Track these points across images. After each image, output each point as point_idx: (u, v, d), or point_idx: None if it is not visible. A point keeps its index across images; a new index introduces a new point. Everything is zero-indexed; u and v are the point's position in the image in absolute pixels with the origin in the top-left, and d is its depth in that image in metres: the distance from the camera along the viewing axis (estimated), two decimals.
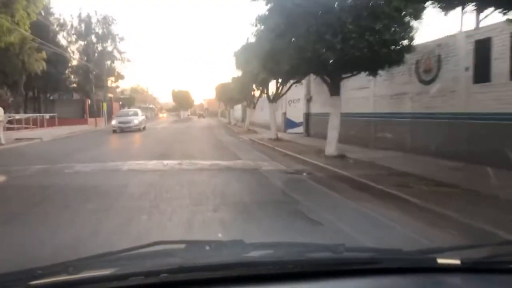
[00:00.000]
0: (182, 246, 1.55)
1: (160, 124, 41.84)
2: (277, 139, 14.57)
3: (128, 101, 51.46)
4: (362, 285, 1.29)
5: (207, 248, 1.49)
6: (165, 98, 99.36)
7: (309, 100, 18.43)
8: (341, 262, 1.37)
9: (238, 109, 40.41)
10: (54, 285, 1.18)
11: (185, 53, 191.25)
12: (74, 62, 35.03)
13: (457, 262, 1.32)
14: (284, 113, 23.38)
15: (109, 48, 37.82)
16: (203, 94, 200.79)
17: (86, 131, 24.54)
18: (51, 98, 34.97)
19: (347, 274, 1.29)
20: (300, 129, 20.56)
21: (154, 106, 78.23)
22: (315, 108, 17.24)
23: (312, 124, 17.78)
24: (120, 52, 34.51)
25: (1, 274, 1.23)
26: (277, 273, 1.25)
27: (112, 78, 38.29)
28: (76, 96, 35.48)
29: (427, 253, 1.47)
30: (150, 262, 1.33)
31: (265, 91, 18.06)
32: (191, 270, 1.23)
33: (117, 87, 48.03)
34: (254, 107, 25.44)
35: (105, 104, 34.62)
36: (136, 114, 24.80)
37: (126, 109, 25.19)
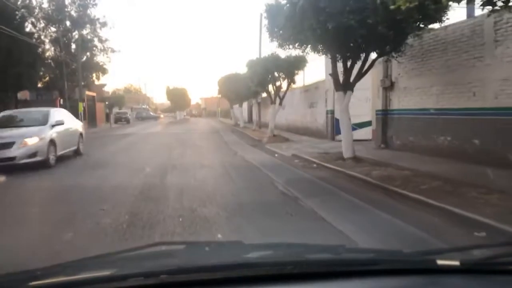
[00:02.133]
0: (182, 247, 1.57)
1: (151, 127, 36.85)
2: (356, 159, 9.03)
3: (116, 100, 43.71)
4: (362, 286, 1.26)
5: (207, 249, 1.50)
6: (161, 98, 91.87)
7: (388, 87, 11.63)
8: (340, 263, 1.36)
9: (243, 108, 35.20)
10: (53, 286, 1.17)
11: (181, 47, 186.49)
12: (49, 54, 30.53)
13: (457, 263, 1.30)
14: (331, 112, 16.41)
15: (88, 36, 32.40)
16: (200, 92, 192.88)
17: None
18: (24, 98, 30.24)
19: (346, 275, 1.27)
20: (361, 135, 14.59)
21: (148, 107, 70.55)
22: (404, 102, 11.04)
23: (396, 128, 11.52)
24: (101, 41, 26.41)
25: (1, 275, 1.24)
26: (277, 274, 1.23)
27: (94, 74, 28.46)
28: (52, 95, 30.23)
29: (427, 255, 1.45)
30: (150, 263, 1.35)
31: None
32: (190, 271, 1.24)
33: (103, 85, 39.81)
34: (281, 103, 19.32)
35: (81, 105, 29.55)
36: (35, 120, 10.47)
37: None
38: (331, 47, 8.49)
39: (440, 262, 1.30)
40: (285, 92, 18.16)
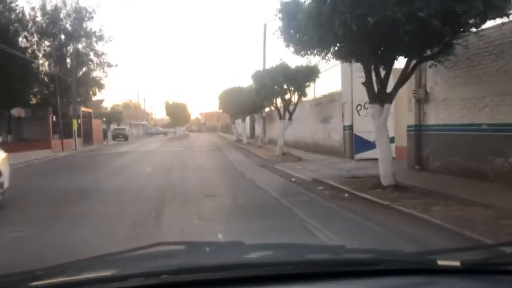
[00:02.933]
0: (182, 247, 1.55)
1: (150, 143, 36.46)
2: (398, 187, 7.49)
3: (114, 117, 41.87)
4: (362, 287, 1.30)
5: (207, 249, 1.51)
6: (160, 114, 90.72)
7: (423, 99, 10.06)
8: (340, 263, 1.39)
9: (245, 123, 34.20)
10: (54, 286, 1.20)
11: (180, 61, 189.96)
12: (42, 69, 29.11)
13: (457, 263, 1.32)
14: (349, 127, 14.73)
15: (84, 50, 30.60)
16: (200, 107, 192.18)
17: (27, 162, 17.30)
18: (18, 115, 29.69)
19: (346, 276, 1.31)
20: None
21: (147, 123, 69.17)
22: (444, 115, 9.52)
23: (433, 147, 9.93)
24: (98, 55, 24.91)
25: (2, 275, 1.28)
26: (277, 274, 1.28)
27: (91, 90, 27.05)
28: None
29: (427, 255, 1.48)
30: (150, 263, 1.38)
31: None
32: (191, 271, 1.26)
33: (100, 101, 38.42)
34: (290, 118, 17.86)
35: (75, 122, 27.67)
36: None
37: None
38: (367, 49, 6.79)
39: (440, 262, 1.33)
40: (295, 105, 16.68)
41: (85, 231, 5.38)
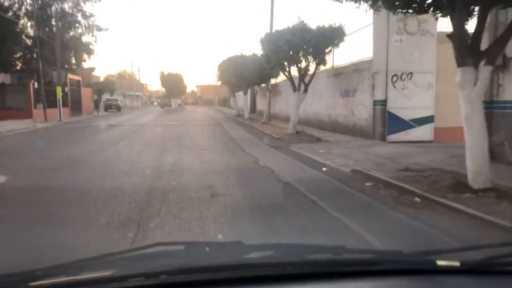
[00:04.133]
0: (182, 247, 1.51)
1: (143, 115, 32.33)
2: (496, 191, 5.10)
3: (106, 86, 39.27)
4: (362, 287, 1.31)
5: (207, 249, 1.48)
6: (155, 85, 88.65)
7: (500, 67, 7.67)
8: (340, 263, 1.38)
9: (247, 96, 29.94)
10: (53, 287, 1.19)
11: (176, 31, 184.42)
12: (24, 30, 25.98)
13: (457, 264, 1.32)
14: (381, 102, 11.97)
15: (70, 10, 26.99)
16: (196, 80, 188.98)
17: None
18: (1, 81, 26.33)
19: (346, 276, 1.31)
20: (419, 134, 11.25)
21: (141, 94, 66.59)
22: None
23: None
24: (85, 16, 22.30)
25: (1, 275, 1.26)
26: (277, 274, 1.28)
27: (79, 55, 25.03)
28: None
29: (427, 255, 1.47)
30: (150, 263, 1.36)
31: None
32: (190, 271, 1.25)
33: (91, 69, 35.76)
34: (306, 90, 14.85)
35: (59, 89, 24.19)
36: None
37: None
38: None
39: (440, 262, 1.34)
40: (312, 75, 14.09)
41: None
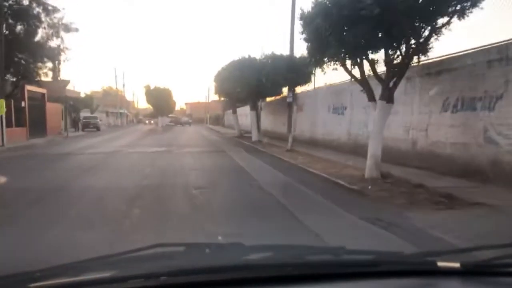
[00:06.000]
0: (182, 248, 1.52)
1: (124, 136, 27.15)
2: None
3: (83, 102, 32.79)
4: None
5: (207, 250, 1.48)
6: (143, 103, 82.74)
7: None
8: (340, 264, 1.39)
9: (257, 111, 23.42)
10: None
11: (165, 48, 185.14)
12: None
13: (457, 265, 1.34)
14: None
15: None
16: (185, 98, 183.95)
17: None
18: None
19: (347, 277, 1.33)
20: None
21: (127, 112, 60.45)
22: None
23: None
24: (47, 11, 14.74)
25: (1, 276, 1.26)
26: (277, 275, 1.30)
27: (40, 61, 24.37)
28: None
29: (427, 256, 1.47)
30: (150, 264, 1.37)
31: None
32: (190, 272, 1.27)
33: (66, 82, 29.43)
34: (391, 98, 8.17)
35: (1, 103, 18.20)
36: None
37: None
38: None
39: (440, 264, 1.35)
40: (401, 72, 7.81)
41: None
